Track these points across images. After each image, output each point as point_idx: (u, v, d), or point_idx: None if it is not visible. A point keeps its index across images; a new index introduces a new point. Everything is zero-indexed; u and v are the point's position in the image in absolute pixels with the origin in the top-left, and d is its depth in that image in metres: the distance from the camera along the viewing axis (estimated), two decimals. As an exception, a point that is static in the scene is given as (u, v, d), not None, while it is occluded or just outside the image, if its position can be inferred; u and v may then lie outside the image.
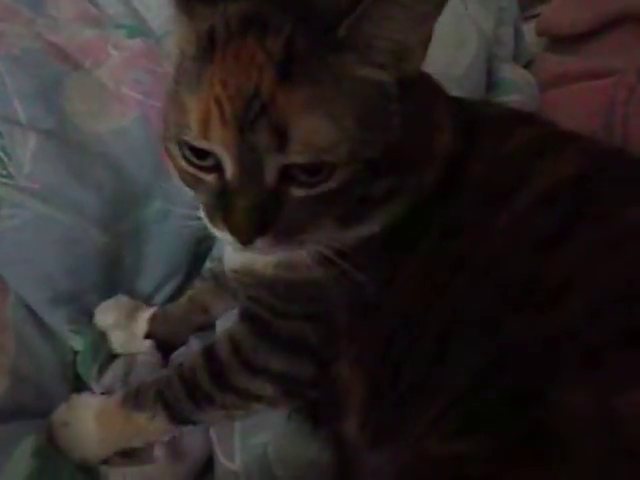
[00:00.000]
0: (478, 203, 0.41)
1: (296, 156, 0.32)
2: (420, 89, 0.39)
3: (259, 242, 0.34)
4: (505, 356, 0.36)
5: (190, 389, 0.46)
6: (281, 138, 0.32)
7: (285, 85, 0.31)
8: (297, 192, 0.33)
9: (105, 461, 0.47)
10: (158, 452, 0.47)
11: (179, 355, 0.55)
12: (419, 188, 0.41)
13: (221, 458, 0.47)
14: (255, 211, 0.33)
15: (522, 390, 0.34)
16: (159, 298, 0.60)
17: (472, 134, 0.44)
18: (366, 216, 0.38)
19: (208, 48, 0.33)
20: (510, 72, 0.74)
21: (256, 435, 0.47)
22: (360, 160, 0.34)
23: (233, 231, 0.34)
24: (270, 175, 0.33)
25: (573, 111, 0.72)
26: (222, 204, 0.34)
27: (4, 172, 0.54)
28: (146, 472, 0.46)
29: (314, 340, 0.43)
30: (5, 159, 0.55)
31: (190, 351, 0.54)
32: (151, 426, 0.47)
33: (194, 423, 0.48)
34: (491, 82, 0.72)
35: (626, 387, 0.32)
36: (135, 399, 0.47)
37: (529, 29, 0.93)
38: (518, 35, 0.85)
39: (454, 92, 0.68)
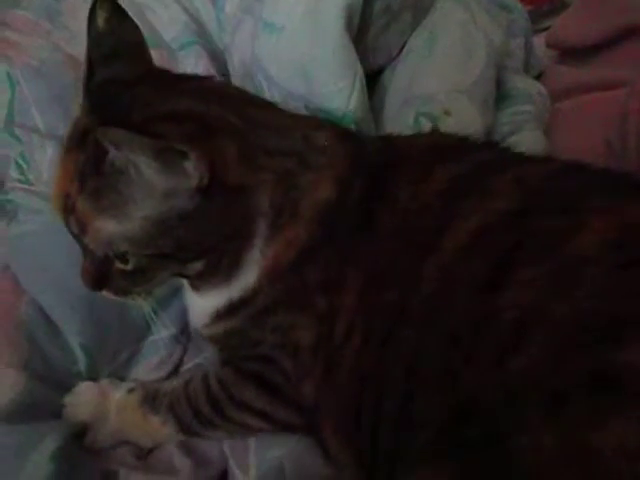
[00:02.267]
0: (397, 252, 0.41)
1: (90, 245, 0.42)
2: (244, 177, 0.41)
3: (104, 292, 0.44)
4: (466, 408, 0.35)
5: (195, 412, 0.48)
6: (82, 231, 0.41)
7: (81, 195, 0.40)
8: (118, 265, 0.42)
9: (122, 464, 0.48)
10: (177, 461, 0.47)
11: (188, 370, 0.55)
12: (286, 247, 0.42)
13: (236, 471, 0.47)
14: (93, 272, 0.43)
15: (487, 437, 0.33)
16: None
17: (382, 180, 0.44)
18: (214, 282, 0.44)
19: (63, 147, 0.43)
20: (521, 83, 0.74)
21: (271, 449, 0.47)
22: (146, 254, 0.41)
23: (84, 282, 0.44)
24: (95, 250, 0.42)
25: (585, 122, 0.73)
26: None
27: (22, 178, 0.55)
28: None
29: (279, 380, 0.45)
30: (24, 166, 0.56)
31: (198, 368, 0.55)
32: (162, 431, 0.49)
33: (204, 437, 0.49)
34: (502, 93, 0.72)
35: (596, 425, 0.30)
36: (152, 402, 0.49)
37: (539, 42, 0.94)
38: (528, 47, 0.85)
39: (463, 103, 0.69)
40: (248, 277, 0.43)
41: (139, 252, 0.41)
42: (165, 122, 0.39)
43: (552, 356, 0.33)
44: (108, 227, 0.40)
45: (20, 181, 0.55)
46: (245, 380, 0.46)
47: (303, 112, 0.62)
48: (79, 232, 0.41)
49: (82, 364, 0.51)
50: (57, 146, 0.57)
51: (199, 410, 0.48)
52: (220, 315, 0.46)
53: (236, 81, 0.72)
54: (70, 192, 0.40)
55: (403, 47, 0.70)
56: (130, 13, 0.79)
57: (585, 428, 0.30)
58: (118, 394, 0.50)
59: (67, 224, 0.42)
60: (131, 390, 0.51)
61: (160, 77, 0.47)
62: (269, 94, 0.65)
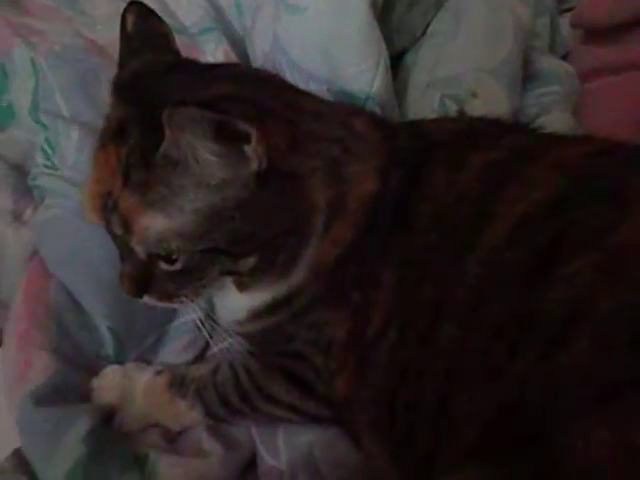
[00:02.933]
0: (435, 246, 0.40)
1: (137, 247, 0.39)
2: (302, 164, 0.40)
3: (146, 297, 0.42)
4: (511, 405, 0.34)
5: (223, 401, 0.47)
6: (127, 231, 0.38)
7: (125, 190, 0.37)
8: (163, 266, 0.40)
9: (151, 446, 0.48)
10: (207, 445, 0.47)
11: (214, 355, 0.55)
12: (332, 243, 0.41)
13: (265, 455, 0.47)
14: (135, 276, 0.40)
15: (534, 437, 0.32)
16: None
17: (417, 169, 0.42)
18: (265, 279, 0.42)
19: (97, 144, 0.41)
20: (549, 63, 0.73)
21: (301, 434, 0.47)
22: (197, 250, 0.38)
23: (124, 288, 0.41)
24: (139, 252, 0.40)
25: (615, 103, 0.70)
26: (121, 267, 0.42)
27: (48, 163, 0.55)
28: (194, 463, 0.46)
29: (310, 376, 0.44)
30: (49, 151, 0.56)
31: (224, 354, 0.54)
32: (189, 415, 0.49)
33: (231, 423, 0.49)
34: (529, 74, 0.70)
35: None
36: (179, 387, 0.49)
37: (563, 22, 0.91)
38: (554, 27, 0.83)
39: (490, 84, 0.67)
40: (299, 275, 0.42)
41: (191, 248, 0.38)
42: (219, 103, 0.37)
43: (602, 349, 0.32)
44: (157, 223, 0.37)
45: (46, 166, 0.56)
46: (274, 374, 0.46)
47: (325, 95, 0.61)
48: (124, 232, 0.38)
49: (110, 347, 0.51)
50: (82, 131, 0.57)
51: (227, 399, 0.47)
52: (259, 314, 0.44)
53: (257, 65, 0.71)
54: (112, 189, 0.38)
55: (427, 28, 0.69)
56: (150, 0, 0.81)
57: (637, 425, 0.29)
58: (145, 377, 0.50)
59: (108, 226, 0.39)
60: (158, 373, 0.51)
61: (191, 65, 0.46)
62: (291, 78, 0.64)
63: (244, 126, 0.35)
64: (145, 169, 0.37)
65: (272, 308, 0.43)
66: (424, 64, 0.66)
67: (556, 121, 0.66)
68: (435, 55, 0.66)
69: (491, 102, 0.63)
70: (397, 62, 0.69)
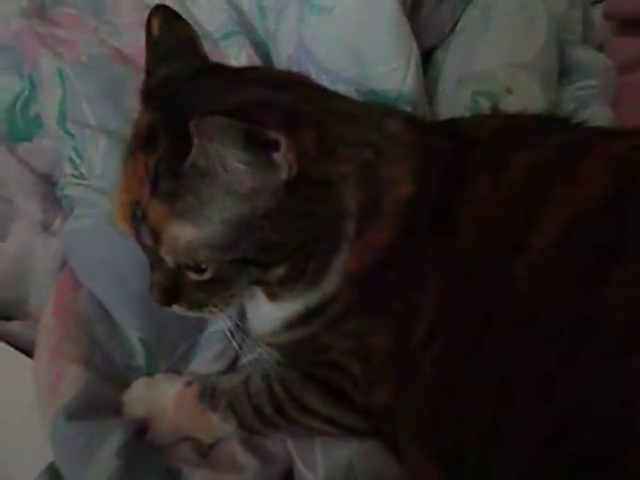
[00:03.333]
0: (482, 250, 0.38)
1: (166, 256, 0.38)
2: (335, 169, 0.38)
3: (175, 307, 0.41)
4: (571, 419, 0.32)
5: (257, 412, 0.46)
6: (156, 240, 0.37)
7: (154, 199, 0.36)
8: (192, 276, 0.39)
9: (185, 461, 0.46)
10: (242, 459, 0.46)
11: (243, 366, 0.53)
12: (367, 248, 0.39)
13: (302, 469, 0.45)
14: (164, 285, 0.40)
15: (599, 454, 0.30)
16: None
17: (457, 169, 0.40)
18: (296, 288, 0.40)
19: (126, 151, 0.40)
20: (584, 56, 0.70)
21: (339, 447, 0.45)
22: (226, 260, 0.37)
23: (153, 297, 0.41)
24: (168, 261, 0.39)
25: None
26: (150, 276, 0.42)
27: (76, 173, 0.55)
28: (229, 479, 0.45)
29: (347, 386, 0.42)
30: (77, 160, 0.56)
31: (255, 364, 0.52)
32: (222, 427, 0.47)
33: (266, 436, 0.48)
34: (565, 67, 0.67)
35: None
36: (211, 399, 0.47)
37: (595, 14, 0.88)
38: (586, 19, 0.80)
39: (524, 79, 0.65)
40: (331, 282, 0.40)
41: (220, 258, 0.37)
42: (248, 111, 0.36)
43: None
44: (186, 233, 0.36)
45: (74, 176, 0.56)
46: (309, 385, 0.44)
47: (353, 96, 0.60)
48: (153, 242, 0.37)
49: (141, 359, 0.50)
50: (109, 140, 0.57)
51: (261, 410, 0.46)
52: (292, 324, 0.43)
53: (282, 66, 0.71)
54: (140, 198, 0.37)
55: (456, 24, 0.66)
56: (173, 5, 0.81)
57: None
58: (175, 389, 0.49)
59: (137, 235, 0.38)
60: (188, 384, 0.49)
61: (220, 70, 0.45)
62: (318, 79, 0.63)
63: (273, 134, 0.34)
64: (174, 178, 0.36)
65: (306, 318, 0.42)
66: (454, 61, 0.64)
67: (595, 115, 0.63)
68: (465, 51, 0.64)
69: (526, 98, 0.60)
70: (426, 60, 0.67)
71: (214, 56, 0.73)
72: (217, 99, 0.38)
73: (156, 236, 0.37)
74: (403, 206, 0.39)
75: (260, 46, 0.76)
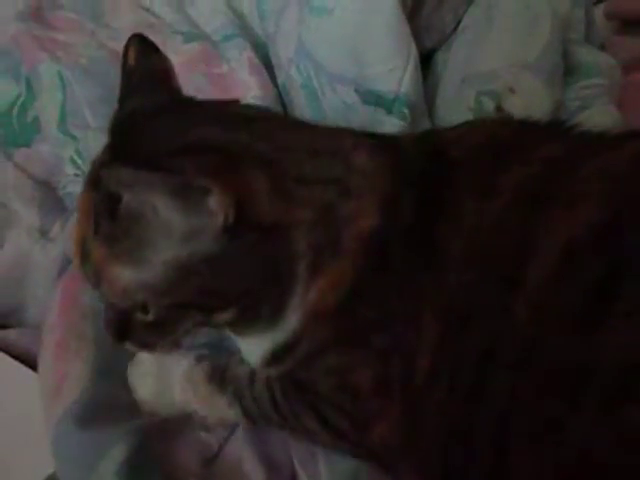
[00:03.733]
0: (474, 288, 0.35)
1: (106, 296, 0.38)
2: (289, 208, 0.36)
3: (127, 344, 0.41)
4: (575, 467, 0.31)
5: (261, 413, 0.45)
6: (98, 280, 0.37)
7: (95, 239, 0.36)
8: (139, 316, 0.38)
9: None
10: (248, 466, 0.45)
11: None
12: (329, 288, 0.37)
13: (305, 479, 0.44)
14: (114, 322, 0.39)
15: None
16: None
17: (437, 195, 0.37)
18: (255, 329, 0.40)
19: (83, 185, 0.39)
20: (588, 55, 0.69)
21: (342, 461, 0.43)
22: (165, 304, 0.37)
23: (108, 333, 0.40)
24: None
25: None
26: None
27: (79, 172, 0.54)
28: None
29: (342, 424, 0.41)
30: (79, 161, 0.55)
31: None
32: (228, 412, 0.46)
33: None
34: (568, 67, 0.67)
35: None
36: (220, 382, 0.46)
37: (596, 14, 0.87)
38: (589, 18, 0.79)
39: (528, 79, 0.64)
40: (291, 323, 0.39)
41: (159, 302, 0.36)
42: (183, 155, 0.34)
43: None
44: (124, 275, 0.36)
45: (76, 175, 0.55)
46: (308, 411, 0.42)
47: (352, 97, 0.59)
48: (95, 281, 0.37)
49: None
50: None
51: (264, 412, 0.45)
52: (267, 362, 0.42)
53: (281, 70, 0.70)
54: (87, 235, 0.36)
55: (457, 25, 0.66)
56: (171, 9, 0.80)
57: None
58: (183, 363, 0.48)
59: (84, 273, 0.38)
60: (198, 361, 0.48)
61: (183, 105, 0.43)
62: (316, 82, 0.63)
63: (201, 181, 0.32)
64: (112, 220, 0.35)
65: (275, 357, 0.41)
66: (457, 62, 0.63)
67: (599, 115, 0.62)
68: (468, 52, 0.63)
69: (530, 97, 0.60)
70: (426, 62, 0.66)
71: (213, 58, 0.73)
72: (167, 138, 0.37)
73: (98, 276, 0.37)
74: (367, 240, 0.37)
75: (260, 48, 0.75)
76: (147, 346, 0.41)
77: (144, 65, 0.44)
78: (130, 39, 0.44)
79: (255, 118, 0.42)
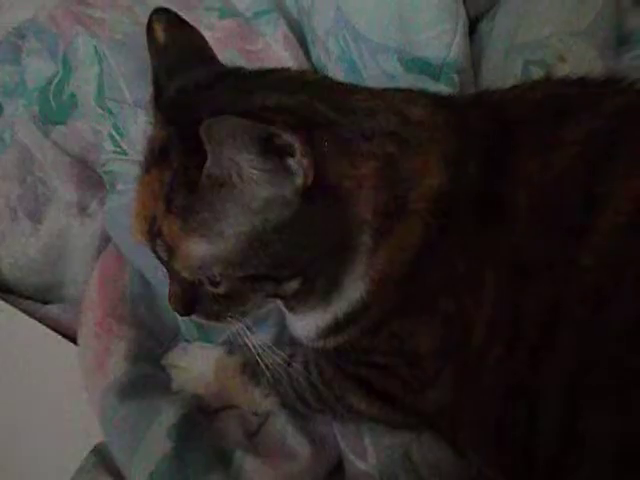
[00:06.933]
0: (541, 239, 0.35)
1: (180, 271, 0.37)
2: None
3: (194, 316, 0.40)
4: None
5: (300, 398, 0.45)
6: (171, 255, 0.37)
7: (169, 215, 0.36)
8: (208, 288, 0.38)
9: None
10: (292, 440, 0.45)
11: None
12: (396, 251, 0.36)
13: (351, 457, 0.44)
14: (181, 296, 0.39)
15: None
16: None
17: (500, 153, 0.36)
18: (311, 302, 0.39)
19: (142, 167, 0.39)
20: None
21: (388, 435, 0.43)
22: (239, 276, 0.36)
23: (171, 307, 0.40)
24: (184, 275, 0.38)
25: None
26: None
27: (118, 149, 0.54)
28: (282, 467, 0.43)
29: (392, 388, 0.40)
30: (117, 137, 0.55)
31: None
32: (264, 403, 0.46)
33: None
34: (620, 35, 0.63)
35: None
36: (253, 373, 0.46)
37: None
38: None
39: (580, 47, 0.61)
40: (352, 294, 0.38)
41: (233, 274, 0.36)
42: (260, 114, 0.33)
43: None
44: (199, 249, 0.35)
45: (115, 152, 0.55)
46: (350, 384, 0.42)
47: (395, 66, 0.57)
48: (168, 257, 0.37)
49: (194, 332, 0.49)
50: (148, 116, 0.55)
51: (303, 397, 0.45)
52: (326, 333, 0.41)
53: (315, 45, 0.69)
54: (156, 214, 0.36)
55: (503, -8, 0.63)
56: (204, -14, 0.79)
57: None
58: (215, 355, 0.48)
59: (153, 249, 0.38)
60: (230, 352, 0.48)
61: (235, 75, 0.42)
62: (356, 52, 0.61)
63: (287, 137, 0.31)
64: (189, 193, 0.35)
65: (338, 327, 0.40)
66: (503, 30, 0.61)
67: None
68: (515, 20, 0.60)
69: (582, 66, 0.56)
70: (471, 31, 0.63)
71: (247, 35, 0.72)
72: (229, 107, 0.36)
73: (171, 251, 0.36)
74: (434, 200, 0.36)
75: (292, 24, 0.74)
76: (215, 317, 0.40)
77: (178, 41, 0.42)
78: (153, 14, 0.42)
79: (310, 83, 0.41)
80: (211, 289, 0.38)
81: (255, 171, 0.33)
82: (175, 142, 0.36)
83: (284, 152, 0.32)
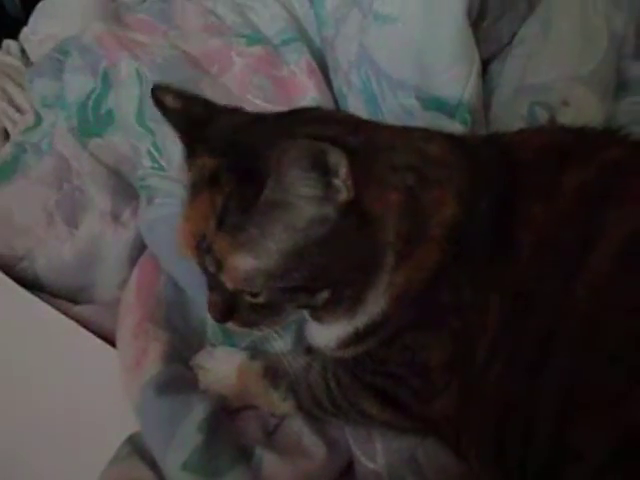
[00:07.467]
0: (542, 273, 0.39)
1: (225, 282, 0.41)
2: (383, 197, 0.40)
3: (230, 324, 0.44)
4: (635, 437, 0.33)
5: (316, 402, 0.48)
6: (219, 268, 0.40)
7: (220, 233, 0.39)
8: (247, 298, 0.42)
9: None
10: (307, 440, 0.48)
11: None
12: (416, 269, 0.40)
13: (361, 458, 0.47)
14: (220, 304, 0.43)
15: None
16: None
17: (508, 193, 0.41)
18: (338, 312, 0.43)
19: (188, 190, 0.43)
20: (639, 71, 0.70)
21: (398, 438, 0.47)
22: (280, 287, 0.40)
23: (210, 314, 0.44)
24: (227, 286, 0.41)
25: None
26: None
27: (156, 165, 0.58)
28: (300, 465, 0.47)
29: (404, 397, 0.44)
30: (156, 154, 0.59)
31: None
32: (282, 406, 0.50)
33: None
34: (619, 81, 0.68)
35: None
36: (273, 377, 0.50)
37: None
38: (638, 33, 0.80)
39: (582, 92, 0.66)
40: (373, 307, 0.42)
41: (273, 285, 0.40)
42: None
43: None
44: (246, 263, 0.39)
45: (153, 168, 0.59)
46: (365, 392, 0.46)
47: (412, 103, 0.62)
48: (216, 269, 0.41)
49: (217, 340, 0.53)
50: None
51: (319, 402, 0.48)
52: (346, 343, 0.45)
53: (338, 74, 0.73)
54: (206, 232, 0.40)
55: (514, 36, 0.68)
56: (233, 13, 0.85)
57: None
58: (237, 359, 0.52)
59: (200, 262, 0.42)
60: (253, 357, 0.52)
61: (270, 116, 0.46)
62: (377, 87, 0.65)
63: (337, 156, 0.35)
64: (242, 213, 0.38)
65: (357, 338, 0.44)
66: (512, 72, 0.66)
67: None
68: (524, 63, 0.65)
69: (583, 110, 0.61)
70: (482, 72, 0.68)
71: (273, 61, 0.77)
72: (279, 138, 0.39)
73: (219, 264, 0.40)
74: (449, 229, 0.41)
75: (315, 53, 0.79)
76: (251, 325, 0.44)
77: (191, 103, 0.45)
78: (155, 89, 0.45)
79: (338, 120, 0.46)
80: (250, 299, 0.41)
81: (309, 190, 0.37)
82: (225, 171, 0.40)
83: (334, 173, 0.36)
